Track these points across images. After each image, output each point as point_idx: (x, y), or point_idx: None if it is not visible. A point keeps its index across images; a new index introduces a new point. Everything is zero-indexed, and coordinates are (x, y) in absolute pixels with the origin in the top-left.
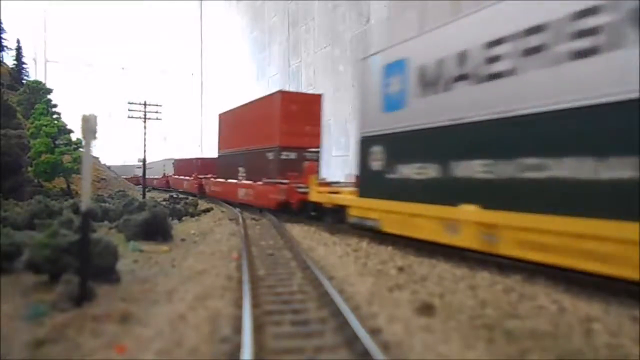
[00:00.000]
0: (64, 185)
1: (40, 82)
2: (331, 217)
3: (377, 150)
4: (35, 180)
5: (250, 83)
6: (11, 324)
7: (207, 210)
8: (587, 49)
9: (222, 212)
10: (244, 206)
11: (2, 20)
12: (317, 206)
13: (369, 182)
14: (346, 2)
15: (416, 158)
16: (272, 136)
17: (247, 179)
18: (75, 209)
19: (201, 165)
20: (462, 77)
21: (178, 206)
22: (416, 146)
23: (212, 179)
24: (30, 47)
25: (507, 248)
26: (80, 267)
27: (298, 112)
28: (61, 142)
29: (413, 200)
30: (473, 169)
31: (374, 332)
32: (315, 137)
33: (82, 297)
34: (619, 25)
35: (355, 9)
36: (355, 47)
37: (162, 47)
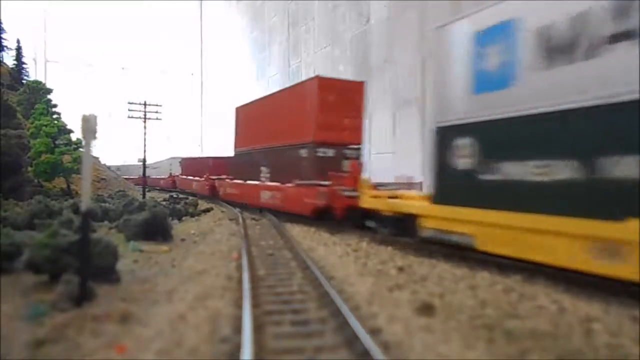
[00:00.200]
0: (64, 185)
1: (40, 82)
2: (391, 229)
3: (464, 143)
4: (35, 180)
5: (250, 83)
6: (11, 324)
7: (207, 210)
8: None
9: (222, 212)
10: (263, 209)
11: (2, 20)
12: (369, 214)
13: (450, 185)
14: (346, 2)
15: (534, 153)
16: (306, 130)
17: (271, 180)
18: (75, 209)
19: (213, 165)
20: (623, 36)
21: (178, 206)
22: (534, 137)
23: (227, 180)
24: (30, 47)
25: None
26: (80, 267)
27: (337, 102)
28: (61, 142)
29: (532, 211)
30: None
31: (374, 332)
32: (355, 131)
33: (82, 297)
34: None
35: (355, 9)
36: (355, 47)
37: (162, 47)
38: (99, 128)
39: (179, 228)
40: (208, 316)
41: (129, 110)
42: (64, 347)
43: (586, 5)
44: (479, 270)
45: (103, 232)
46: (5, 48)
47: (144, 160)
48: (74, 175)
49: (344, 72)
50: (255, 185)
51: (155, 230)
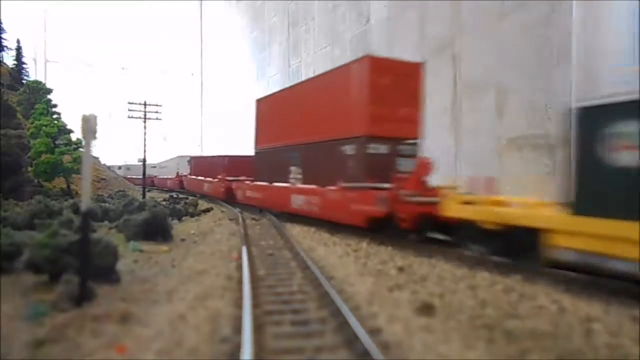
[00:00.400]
0: (64, 185)
1: (40, 82)
2: (491, 246)
3: (628, 131)
4: (35, 180)
5: (250, 83)
6: (11, 324)
7: (207, 210)
8: None
9: (222, 212)
10: (286, 214)
11: (2, 20)
12: (451, 225)
13: (605, 189)
14: (346, 2)
15: None
16: (353, 123)
17: (304, 182)
18: (75, 209)
19: (229, 165)
20: None
21: (178, 206)
22: None
23: (247, 182)
24: (30, 47)
25: None
26: (80, 267)
27: (390, 88)
28: (61, 142)
29: None
30: None
31: (374, 332)
32: (412, 123)
33: (82, 297)
34: None
35: (355, 9)
36: (355, 47)
37: (162, 47)
38: (99, 128)
39: (179, 228)
40: (208, 316)
41: (129, 110)
42: (64, 347)
43: None
44: (479, 270)
45: (103, 232)
46: (5, 48)
47: (144, 160)
48: (74, 175)
49: None
50: (285, 188)
51: (155, 230)
